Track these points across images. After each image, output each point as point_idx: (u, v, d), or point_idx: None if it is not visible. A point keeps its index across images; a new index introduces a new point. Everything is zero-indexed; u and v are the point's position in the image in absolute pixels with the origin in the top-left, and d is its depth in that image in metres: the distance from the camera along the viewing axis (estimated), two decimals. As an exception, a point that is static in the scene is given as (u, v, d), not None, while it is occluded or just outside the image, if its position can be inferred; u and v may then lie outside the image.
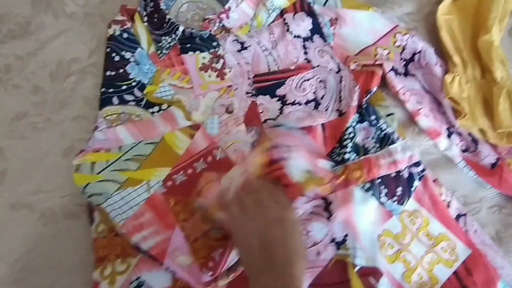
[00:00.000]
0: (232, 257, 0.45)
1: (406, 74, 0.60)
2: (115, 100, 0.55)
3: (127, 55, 0.57)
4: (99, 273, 0.46)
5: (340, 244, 0.49)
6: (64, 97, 0.57)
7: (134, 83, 0.56)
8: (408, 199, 0.51)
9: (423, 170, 0.52)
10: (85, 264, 0.47)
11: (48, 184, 0.51)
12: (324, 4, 0.62)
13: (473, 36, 0.62)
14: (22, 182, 0.51)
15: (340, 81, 0.59)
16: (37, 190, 0.51)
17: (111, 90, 0.56)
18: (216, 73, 0.59)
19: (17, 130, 0.54)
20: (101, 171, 0.50)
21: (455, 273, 0.48)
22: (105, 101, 0.55)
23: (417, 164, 0.53)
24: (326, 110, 0.57)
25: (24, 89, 0.57)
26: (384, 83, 0.59)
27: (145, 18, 0.60)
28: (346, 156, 0.53)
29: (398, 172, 0.52)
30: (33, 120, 0.55)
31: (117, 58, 0.57)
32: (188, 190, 0.50)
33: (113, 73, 0.56)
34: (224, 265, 0.45)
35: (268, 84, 0.59)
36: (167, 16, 0.59)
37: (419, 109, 0.56)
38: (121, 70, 0.57)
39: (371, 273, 0.47)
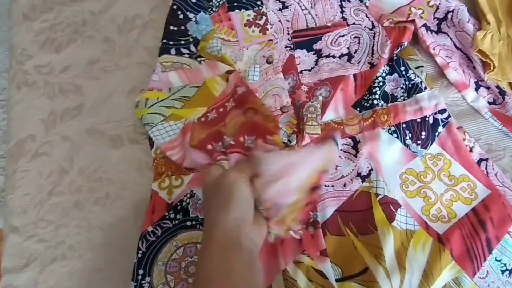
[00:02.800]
0: None
1: (438, 31, 0.63)
2: (172, 51, 0.64)
3: (191, 15, 0.66)
4: (158, 185, 0.55)
5: (365, 177, 0.54)
6: (129, 47, 0.66)
7: (191, 39, 0.64)
8: (432, 143, 0.55)
9: (447, 117, 0.56)
10: (145, 178, 0.56)
11: (116, 116, 0.61)
12: (361, -34, 0.67)
13: (510, -2, 0.63)
14: (95, 113, 0.61)
15: (374, 37, 0.63)
16: (107, 120, 0.61)
17: (171, 42, 0.64)
18: (259, 28, 0.66)
19: (91, 72, 0.65)
20: (152, 105, 0.59)
21: (473, 209, 0.51)
22: (164, 50, 0.64)
23: (442, 111, 0.56)
24: (359, 62, 0.62)
25: (97, 39, 0.67)
26: (416, 40, 0.63)
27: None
28: (375, 102, 0.57)
29: (424, 118, 0.56)
30: (104, 64, 0.65)
31: (181, 16, 0.65)
32: (216, 124, 0.57)
33: (175, 28, 0.65)
34: None
35: (305, 39, 0.64)
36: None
37: (449, 63, 0.60)
38: (183, 27, 0.65)
39: (391, 203, 0.52)
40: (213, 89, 0.61)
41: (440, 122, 0.56)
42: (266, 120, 0.55)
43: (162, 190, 0.55)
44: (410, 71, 0.59)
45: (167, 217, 0.54)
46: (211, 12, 0.66)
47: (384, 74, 0.59)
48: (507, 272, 0.48)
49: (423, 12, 0.64)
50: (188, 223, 0.54)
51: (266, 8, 0.66)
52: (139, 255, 0.52)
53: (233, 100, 0.58)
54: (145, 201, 0.55)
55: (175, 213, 0.54)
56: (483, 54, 0.58)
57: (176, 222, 0.54)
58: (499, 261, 0.49)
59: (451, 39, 0.62)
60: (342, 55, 0.63)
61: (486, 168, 0.54)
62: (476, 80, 0.59)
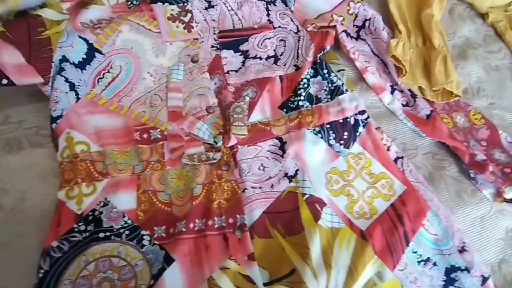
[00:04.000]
0: None
1: (357, 38, 0.66)
2: None
3: None
4: (65, 193, 0.48)
5: (291, 178, 0.53)
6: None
7: None
8: (354, 142, 0.57)
9: (367, 118, 0.58)
10: (49, 186, 0.49)
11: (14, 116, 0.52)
12: (287, -29, 0.68)
13: (417, 11, 0.70)
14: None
15: (298, 41, 0.64)
16: (3, 121, 0.52)
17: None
18: (184, 25, 0.62)
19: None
20: None
21: (392, 205, 0.54)
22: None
23: (362, 112, 0.58)
24: (285, 65, 0.62)
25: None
26: (337, 45, 0.66)
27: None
28: (300, 103, 0.58)
29: (345, 118, 0.58)
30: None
31: None
32: None
33: None
34: None
35: (232, 40, 0.63)
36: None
37: (367, 67, 0.63)
38: None
39: (316, 202, 0.52)
40: None
41: (361, 123, 0.58)
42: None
43: (70, 199, 0.48)
44: (333, 74, 0.61)
45: (76, 229, 0.47)
46: (131, 4, 0.62)
47: (308, 77, 0.60)
48: (423, 262, 0.51)
49: (343, 19, 0.67)
50: (101, 234, 0.47)
51: (191, 6, 0.64)
52: (40, 275, 0.44)
53: None
54: (49, 213, 0.48)
55: (85, 224, 0.48)
56: (396, 60, 0.62)
57: (87, 234, 0.47)
58: (415, 252, 0.51)
59: (369, 45, 0.66)
60: (268, 57, 0.62)
61: (402, 165, 0.57)
62: (391, 84, 0.64)
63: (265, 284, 0.46)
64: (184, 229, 0.47)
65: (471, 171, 0.57)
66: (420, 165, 0.58)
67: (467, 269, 0.50)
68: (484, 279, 0.50)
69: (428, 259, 0.51)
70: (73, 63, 0.55)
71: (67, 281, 0.44)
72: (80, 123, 0.52)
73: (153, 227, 0.48)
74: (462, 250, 0.51)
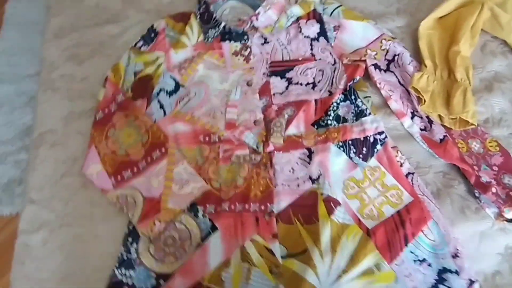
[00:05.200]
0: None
1: (387, 70, 0.78)
2: None
3: None
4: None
5: (314, 180, 0.67)
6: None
7: None
8: (371, 157, 0.69)
9: (385, 138, 0.70)
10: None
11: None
12: (330, 15, 0.83)
13: (448, 47, 0.79)
14: (105, 115, 0.76)
15: (334, 71, 0.78)
16: (114, 121, 0.76)
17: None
18: (243, 57, 0.81)
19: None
20: None
21: (398, 212, 0.64)
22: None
23: (381, 133, 0.70)
24: (320, 90, 0.76)
25: (112, 57, 0.83)
26: (367, 77, 0.78)
27: (198, 16, 0.84)
28: (329, 122, 0.72)
29: (366, 137, 0.70)
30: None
31: None
32: (105, 123, 0.73)
33: None
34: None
35: (280, 69, 0.80)
36: (214, 15, 0.82)
37: (391, 95, 0.74)
38: None
39: (332, 201, 0.65)
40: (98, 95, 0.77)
41: (379, 142, 0.70)
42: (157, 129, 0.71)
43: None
44: (359, 100, 0.74)
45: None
46: (207, 41, 0.82)
47: (339, 101, 0.74)
48: (418, 261, 0.61)
49: (376, 54, 0.79)
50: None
51: (250, 42, 0.82)
52: (131, 227, 0.65)
53: (115, 103, 0.74)
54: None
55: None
56: (415, 91, 0.72)
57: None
58: (413, 253, 0.61)
59: (396, 77, 0.77)
60: (308, 84, 0.78)
61: (412, 180, 0.67)
62: (412, 110, 0.74)
63: (282, 257, 0.61)
64: (227, 209, 0.65)
65: (476, 191, 0.65)
66: (430, 181, 0.68)
67: (457, 272, 0.59)
68: (471, 282, 0.58)
69: (424, 260, 0.61)
70: (166, 92, 0.77)
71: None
72: (165, 129, 0.73)
73: (206, 204, 0.66)
74: (455, 256, 0.60)
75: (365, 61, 0.76)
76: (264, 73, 0.80)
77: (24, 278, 0.63)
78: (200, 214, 0.65)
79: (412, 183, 0.67)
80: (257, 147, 0.70)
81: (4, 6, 1.54)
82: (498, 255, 0.61)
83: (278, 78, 0.79)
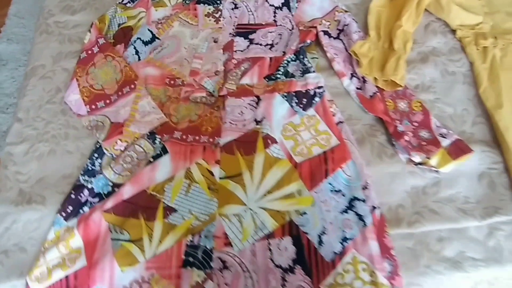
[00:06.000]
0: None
1: (336, 38, 0.89)
2: None
3: None
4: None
5: (258, 122, 0.78)
6: (122, 18, 0.94)
7: None
8: (310, 107, 0.80)
9: (323, 92, 0.81)
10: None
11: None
12: (294, -11, 0.94)
13: (394, 23, 0.89)
14: (88, 56, 0.88)
15: (290, 35, 0.89)
16: (95, 62, 0.88)
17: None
18: (214, 19, 0.93)
19: (92, 31, 0.92)
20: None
21: (324, 152, 0.75)
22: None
23: (320, 87, 0.81)
24: (276, 50, 0.87)
25: (101, 10, 0.95)
26: (318, 42, 0.89)
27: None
28: (278, 76, 0.83)
29: (307, 90, 0.81)
30: (102, 27, 0.93)
31: None
32: (87, 61, 0.85)
33: None
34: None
35: (245, 30, 0.91)
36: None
37: (335, 58, 0.85)
38: None
39: (269, 138, 0.76)
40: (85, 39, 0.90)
41: (318, 95, 0.81)
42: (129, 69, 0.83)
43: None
44: (306, 59, 0.85)
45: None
46: (185, 4, 0.94)
47: (290, 60, 0.85)
48: (335, 191, 0.71)
49: (330, 24, 0.90)
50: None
51: (222, 6, 0.93)
52: (98, 146, 0.77)
53: (97, 46, 0.85)
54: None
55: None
56: (354, 55, 0.83)
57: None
58: (331, 184, 0.72)
59: (343, 43, 0.88)
60: (267, 44, 0.89)
61: (341, 127, 0.78)
62: (352, 72, 0.85)
63: (220, 178, 0.72)
64: (179, 137, 0.76)
65: (392, 139, 0.75)
66: (357, 131, 0.78)
67: (363, 201, 0.69)
68: (373, 208, 0.68)
69: (339, 190, 0.71)
70: (142, 41, 0.89)
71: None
72: (138, 71, 0.85)
73: (163, 134, 0.77)
74: (364, 188, 0.70)
75: (316, 27, 0.87)
76: (230, 33, 0.91)
77: (6, 178, 0.75)
78: (157, 141, 0.77)
79: (341, 130, 0.77)
80: (213, 91, 0.81)
81: (20, -26, 1.68)
82: (404, 192, 0.72)
83: (242, 38, 0.90)
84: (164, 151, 0.75)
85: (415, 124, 0.78)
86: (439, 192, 0.71)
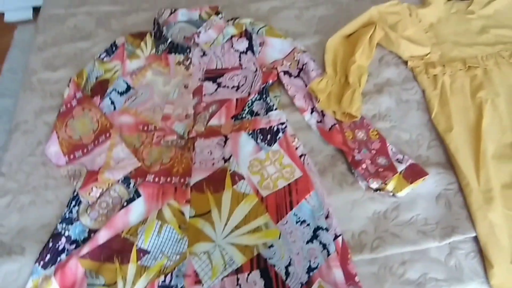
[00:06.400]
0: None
1: (296, 76, 0.96)
2: None
3: None
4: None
5: (226, 160, 0.83)
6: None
7: None
8: (274, 143, 0.85)
9: (285, 127, 0.86)
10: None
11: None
12: (257, 33, 1.02)
13: (348, 59, 0.96)
14: (68, 109, 0.95)
15: (254, 77, 0.96)
16: (74, 114, 0.94)
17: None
18: (185, 66, 1.00)
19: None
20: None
21: (288, 184, 0.79)
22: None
23: (282, 123, 0.87)
24: (242, 92, 0.94)
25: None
26: (279, 81, 0.95)
27: (153, 35, 1.04)
28: (244, 116, 0.89)
29: (271, 127, 0.86)
30: (81, 81, 1.00)
31: None
32: (66, 115, 0.91)
33: None
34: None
35: (213, 75, 0.98)
36: (163, 34, 1.02)
37: (295, 95, 0.92)
38: None
39: (237, 175, 0.80)
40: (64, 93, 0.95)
41: (281, 130, 0.86)
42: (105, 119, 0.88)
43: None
44: (269, 98, 0.91)
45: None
46: (157, 53, 1.02)
47: (254, 99, 0.91)
48: (299, 222, 0.75)
49: (291, 64, 0.97)
50: (110, 180, 0.83)
51: (192, 54, 1.01)
52: (75, 194, 0.81)
53: (76, 99, 0.91)
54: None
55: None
56: (312, 91, 0.89)
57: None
58: (296, 215, 0.75)
59: (303, 81, 0.95)
60: (233, 87, 0.95)
61: (304, 160, 0.82)
62: (312, 107, 0.91)
63: (190, 217, 0.76)
64: (152, 180, 0.81)
65: (352, 168, 0.80)
66: (319, 162, 0.83)
67: (326, 229, 0.72)
68: (336, 236, 0.71)
69: (304, 221, 0.75)
70: (118, 92, 0.96)
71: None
72: (113, 120, 0.91)
73: (137, 178, 0.82)
74: (327, 217, 0.74)
75: (277, 68, 0.95)
76: (199, 79, 0.98)
77: (-12, 231, 0.79)
78: (131, 185, 0.81)
79: (303, 162, 0.82)
80: (183, 134, 0.87)
81: (13, 32, 1.79)
82: (366, 218, 0.75)
83: (210, 82, 0.97)
84: (137, 194, 0.79)
85: (373, 151, 0.83)
86: (399, 216, 0.75)
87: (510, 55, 0.95)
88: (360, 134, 0.86)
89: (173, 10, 1.08)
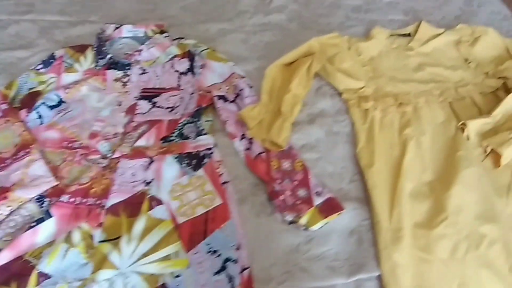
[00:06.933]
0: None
1: (232, 101, 0.96)
2: None
3: None
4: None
5: (148, 183, 0.82)
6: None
7: None
8: (199, 168, 0.84)
9: (211, 153, 0.86)
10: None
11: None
12: (199, 54, 1.02)
13: (285, 87, 0.97)
14: None
15: (190, 99, 0.96)
16: None
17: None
18: (122, 83, 0.99)
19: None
20: None
21: (206, 212, 0.78)
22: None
23: (210, 149, 0.86)
24: (176, 113, 0.93)
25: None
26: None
27: (95, 49, 1.03)
28: (173, 138, 0.88)
29: (198, 152, 0.86)
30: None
31: None
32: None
33: None
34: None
35: (149, 94, 0.97)
36: (103, 49, 1.01)
37: (227, 121, 0.92)
38: None
39: (155, 200, 0.79)
40: None
41: (207, 156, 0.86)
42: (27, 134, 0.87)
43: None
44: (200, 122, 0.91)
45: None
46: (96, 68, 1.00)
47: (186, 122, 0.91)
48: (211, 252, 0.74)
49: (229, 88, 0.98)
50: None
51: (131, 72, 1.00)
52: None
53: (0, 111, 0.89)
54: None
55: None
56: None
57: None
58: (208, 245, 0.74)
59: (238, 107, 0.95)
60: (168, 108, 0.95)
61: (226, 187, 0.82)
62: (242, 134, 0.91)
63: (100, 242, 0.74)
64: (66, 201, 0.78)
65: (270, 199, 0.80)
66: (242, 190, 0.83)
67: (235, 261, 0.72)
68: (244, 269, 0.71)
69: (216, 251, 0.74)
70: (47, 106, 0.93)
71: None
72: (38, 135, 0.89)
73: (52, 197, 0.80)
74: (237, 248, 0.73)
75: (211, 92, 0.95)
76: (135, 97, 0.97)
77: None
78: (45, 204, 0.79)
79: (225, 190, 0.82)
80: (107, 154, 0.85)
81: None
82: (279, 250, 0.75)
83: (146, 101, 0.96)
84: (49, 215, 0.77)
85: (295, 182, 0.83)
86: (311, 250, 0.75)
87: (440, 93, 0.99)
88: (286, 164, 0.86)
89: (118, 25, 1.08)
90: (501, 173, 0.85)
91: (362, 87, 0.98)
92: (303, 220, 0.76)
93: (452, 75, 1.03)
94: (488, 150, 0.87)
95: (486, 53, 1.07)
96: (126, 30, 1.08)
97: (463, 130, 0.90)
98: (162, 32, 1.05)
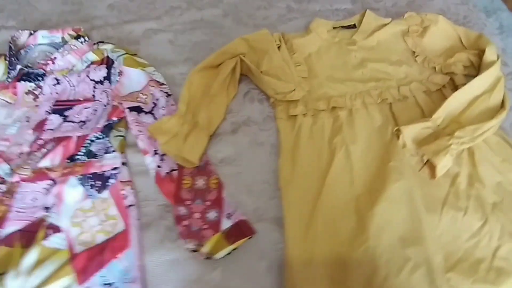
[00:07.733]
0: None
1: (148, 112, 0.88)
2: None
3: None
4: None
5: (47, 209, 0.76)
6: None
7: None
8: (104, 190, 0.78)
9: (117, 173, 0.79)
10: None
11: None
12: (116, 59, 0.94)
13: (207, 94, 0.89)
14: None
15: (103, 111, 0.88)
16: None
17: None
18: (33, 97, 0.92)
19: None
20: None
21: (107, 239, 0.72)
22: None
23: (116, 168, 0.79)
24: (87, 128, 0.86)
25: None
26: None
27: (8, 59, 0.95)
28: (79, 157, 0.81)
29: (103, 172, 0.79)
30: None
31: None
32: None
33: None
34: None
35: (61, 107, 0.90)
36: (15, 59, 0.94)
37: (139, 135, 0.84)
38: None
39: (51, 228, 0.73)
40: None
41: (113, 176, 0.79)
42: None
43: None
44: (108, 138, 0.83)
45: None
46: (7, 81, 0.93)
47: (94, 138, 0.84)
48: (108, 284, 0.68)
49: (147, 97, 0.90)
50: None
51: (44, 83, 0.93)
52: None
53: None
54: None
55: None
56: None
57: None
58: (104, 276, 0.69)
59: (155, 118, 0.87)
60: (80, 121, 0.87)
61: (130, 211, 0.75)
62: (155, 149, 0.83)
63: (-14, 276, 0.69)
64: (-44, 232, 0.73)
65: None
66: (149, 213, 0.76)
67: (129, 295, 0.66)
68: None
69: (112, 283, 0.68)
70: None
71: None
72: None
73: None
74: (133, 281, 0.67)
75: (122, 104, 0.87)
76: (46, 111, 0.90)
77: None
78: None
79: (129, 214, 0.75)
80: (5, 177, 0.79)
81: None
82: (182, 281, 0.69)
83: (58, 115, 0.89)
84: None
85: (208, 203, 0.76)
86: (213, 280, 0.69)
87: (379, 94, 0.89)
88: (200, 182, 0.79)
89: (32, 32, 1.00)
90: (438, 185, 0.77)
91: (292, 90, 0.89)
92: (205, 248, 0.69)
93: (396, 71, 0.93)
94: (425, 159, 0.79)
95: (435, 44, 0.97)
96: (42, 36, 1.00)
97: (398, 136, 0.81)
98: (77, 37, 0.97)
